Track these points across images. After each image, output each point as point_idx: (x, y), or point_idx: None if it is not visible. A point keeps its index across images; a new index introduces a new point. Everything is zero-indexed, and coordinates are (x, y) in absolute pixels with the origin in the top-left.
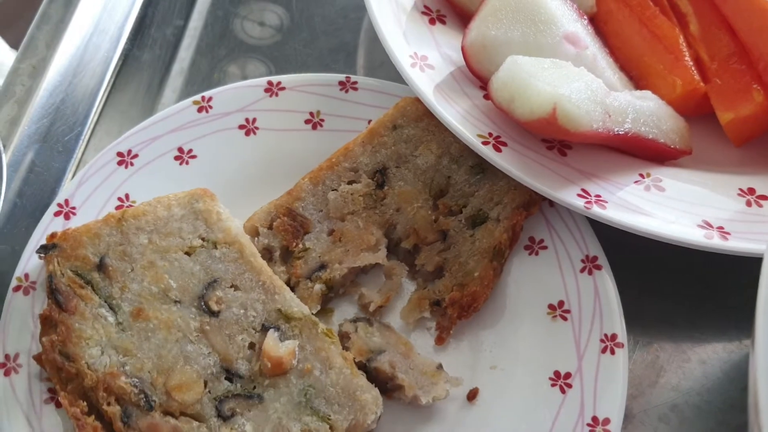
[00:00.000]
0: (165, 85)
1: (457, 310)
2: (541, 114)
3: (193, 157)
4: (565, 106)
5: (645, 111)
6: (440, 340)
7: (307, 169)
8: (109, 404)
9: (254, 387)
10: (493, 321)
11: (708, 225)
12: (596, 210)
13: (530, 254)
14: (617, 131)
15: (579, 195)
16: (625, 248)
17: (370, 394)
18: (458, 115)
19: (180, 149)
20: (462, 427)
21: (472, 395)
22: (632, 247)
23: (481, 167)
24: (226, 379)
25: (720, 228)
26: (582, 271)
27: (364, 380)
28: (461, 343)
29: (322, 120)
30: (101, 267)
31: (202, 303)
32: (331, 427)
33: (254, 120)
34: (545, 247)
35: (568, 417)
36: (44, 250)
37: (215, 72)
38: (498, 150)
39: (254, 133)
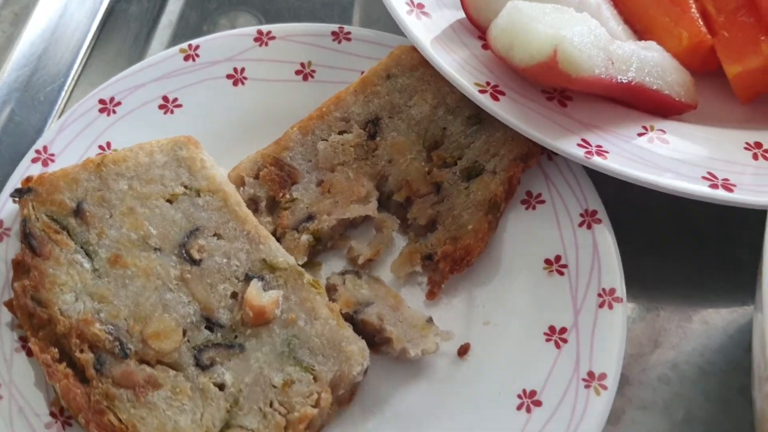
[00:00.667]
0: (152, 38)
1: (449, 264)
2: (541, 58)
3: (179, 106)
4: (567, 48)
5: (649, 61)
6: (431, 295)
7: (296, 121)
8: (81, 351)
9: (235, 337)
10: (487, 276)
11: (713, 177)
12: (597, 160)
13: (527, 209)
14: (620, 79)
15: (579, 145)
16: (627, 204)
17: (357, 346)
18: (455, 64)
19: (165, 98)
20: (452, 383)
21: (463, 350)
22: (634, 203)
23: (478, 118)
24: (206, 328)
25: (725, 180)
26: (581, 225)
27: (350, 331)
28: (454, 299)
29: (313, 71)
30: (78, 212)
31: (183, 251)
32: (314, 378)
33: (242, 70)
34: (543, 202)
35: (563, 372)
36: (18, 193)
37: (205, 25)
38: (496, 99)
39: (242, 83)
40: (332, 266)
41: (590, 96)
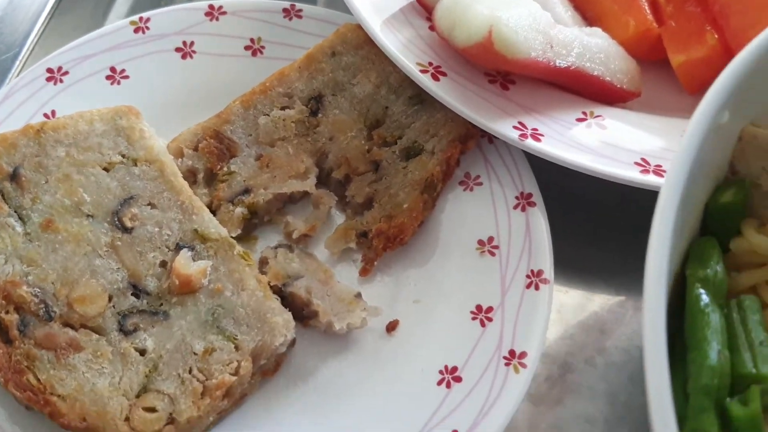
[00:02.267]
0: (110, 11)
1: (382, 241)
2: (478, 38)
3: (126, 77)
4: (502, 29)
5: (592, 47)
6: (365, 272)
7: None
8: (7, 312)
9: (161, 304)
10: (421, 255)
11: (645, 162)
12: (530, 142)
13: (465, 190)
14: (559, 64)
15: (515, 127)
16: (569, 191)
17: (282, 317)
18: (399, 43)
19: (112, 69)
20: (378, 358)
21: (391, 327)
22: (577, 190)
23: (420, 98)
24: (132, 295)
25: (657, 166)
26: (515, 207)
27: (276, 303)
28: (387, 276)
29: (263, 47)
30: (14, 177)
31: (116, 219)
32: (236, 347)
33: (192, 43)
34: (480, 184)
35: (485, 350)
36: None
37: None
38: (436, 79)
39: (191, 57)
40: (269, 241)
41: (533, 81)
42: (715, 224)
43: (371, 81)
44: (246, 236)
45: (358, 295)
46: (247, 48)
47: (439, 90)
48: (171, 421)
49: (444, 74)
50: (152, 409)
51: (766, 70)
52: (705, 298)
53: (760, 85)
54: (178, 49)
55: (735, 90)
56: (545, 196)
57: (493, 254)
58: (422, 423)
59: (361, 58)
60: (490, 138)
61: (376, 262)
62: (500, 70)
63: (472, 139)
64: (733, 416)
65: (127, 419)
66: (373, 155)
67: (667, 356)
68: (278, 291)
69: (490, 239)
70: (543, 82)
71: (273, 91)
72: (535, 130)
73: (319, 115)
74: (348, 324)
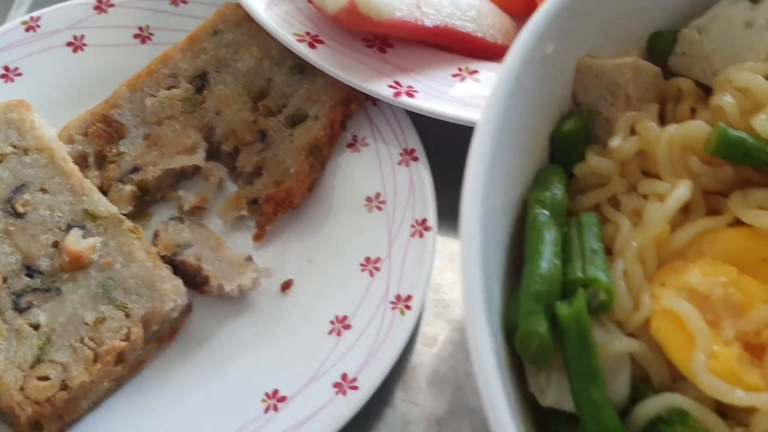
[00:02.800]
0: (8, 13)
1: (272, 206)
2: (343, 2)
3: (19, 75)
4: None
5: (463, 5)
6: (258, 237)
7: None
8: None
9: (54, 282)
10: (313, 217)
11: None
12: (404, 99)
13: (353, 152)
14: (427, 23)
15: (390, 86)
16: (447, 144)
17: (171, 284)
18: (275, 16)
19: (6, 68)
20: (273, 317)
21: (285, 286)
22: (454, 142)
23: (301, 68)
24: (26, 275)
25: None
26: (400, 163)
27: (166, 272)
28: (281, 240)
29: (151, 34)
30: None
31: (9, 206)
32: (126, 315)
33: (82, 37)
34: (367, 144)
35: (373, 298)
36: None
37: None
38: (313, 47)
39: (82, 50)
40: (163, 217)
41: (411, 43)
42: (561, 153)
43: (253, 55)
44: (141, 214)
45: (249, 258)
46: (136, 36)
47: (316, 57)
48: (64, 387)
49: (321, 42)
50: (45, 378)
51: (591, 3)
52: (542, 217)
53: (587, 17)
54: (69, 44)
55: (556, 21)
56: (429, 151)
57: (380, 209)
58: (314, 370)
59: (241, 35)
60: (374, 101)
61: (268, 227)
62: (375, 34)
63: (354, 102)
64: (559, 316)
65: (21, 389)
66: (260, 125)
67: (481, 281)
68: (169, 261)
69: (377, 195)
70: (420, 43)
71: (158, 73)
72: (411, 87)
73: (204, 91)
74: (239, 285)
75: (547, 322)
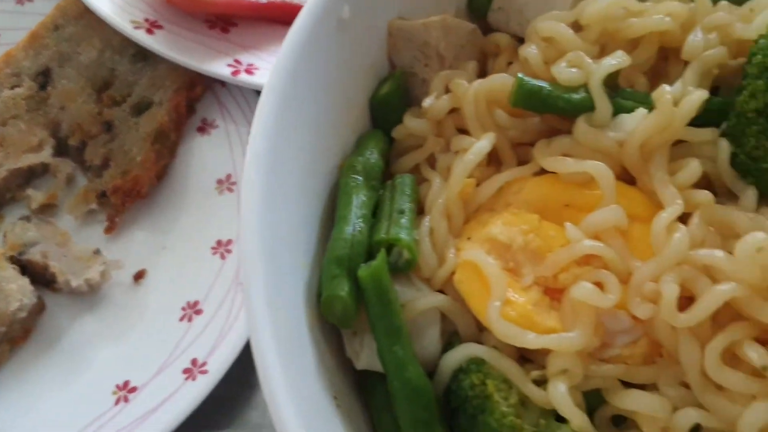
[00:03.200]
0: None
1: (120, 197)
2: None
3: None
4: None
5: None
6: (109, 229)
7: None
8: None
9: None
10: (165, 204)
11: None
12: (243, 77)
13: (202, 135)
14: None
15: (229, 65)
16: None
17: (16, 284)
18: (113, 5)
19: None
20: (127, 307)
21: (138, 276)
22: None
23: (143, 55)
24: None
25: None
26: None
27: (11, 272)
28: (134, 230)
29: None
30: None
31: None
32: None
33: None
34: (217, 127)
35: (225, 280)
36: None
37: None
38: (150, 33)
39: None
40: (15, 217)
41: (255, 22)
42: (380, 117)
43: (95, 47)
44: None
45: (97, 252)
46: None
47: (154, 42)
48: None
49: (160, 27)
50: None
51: None
52: (353, 182)
53: None
54: None
55: None
56: None
57: (231, 190)
58: (164, 358)
59: (83, 27)
60: (223, 83)
61: (118, 219)
62: (216, 15)
63: (199, 85)
64: (359, 278)
65: None
66: (105, 116)
67: (259, 255)
68: (17, 260)
69: (228, 177)
70: (265, 21)
71: (1, 74)
72: (251, 65)
73: (48, 88)
74: (87, 280)
75: (349, 285)
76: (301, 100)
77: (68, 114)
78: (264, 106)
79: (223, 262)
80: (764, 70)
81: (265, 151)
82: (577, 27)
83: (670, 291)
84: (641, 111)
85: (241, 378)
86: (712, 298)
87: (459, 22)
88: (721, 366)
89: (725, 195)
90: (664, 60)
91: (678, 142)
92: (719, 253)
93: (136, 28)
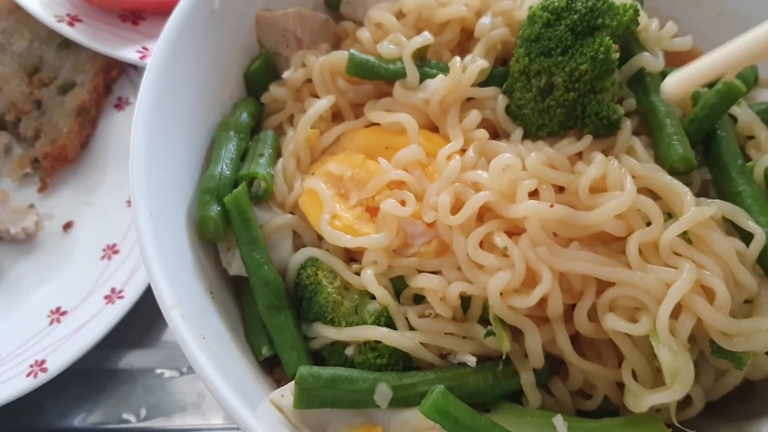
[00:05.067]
0: None
1: (50, 161)
2: None
3: None
4: None
5: None
6: (42, 189)
7: None
8: None
9: None
10: (88, 168)
11: None
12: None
13: (118, 110)
14: None
15: (138, 51)
16: None
17: None
18: (40, 3)
19: None
20: (57, 251)
21: (67, 226)
22: None
23: (67, 44)
24: None
25: None
26: None
27: None
28: (62, 189)
29: None
30: None
31: None
32: None
33: None
34: (130, 103)
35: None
36: None
37: None
38: (72, 25)
39: None
40: None
41: (160, 15)
42: (253, 87)
43: (25, 38)
44: None
45: (32, 206)
46: None
47: (75, 34)
48: None
49: (80, 21)
50: None
51: None
52: (225, 135)
53: None
54: None
55: None
56: None
57: None
58: (89, 287)
59: (14, 21)
60: (135, 66)
61: (49, 180)
62: (127, 9)
63: (115, 68)
64: (225, 202)
65: None
66: (35, 96)
67: (144, 187)
68: None
69: None
70: (169, 15)
71: None
72: None
73: None
74: (23, 228)
75: (218, 208)
76: (178, 72)
77: (4, 95)
78: (147, 76)
79: None
80: (524, 40)
81: (149, 110)
82: (401, 15)
83: (444, 201)
84: (440, 77)
85: (154, 305)
86: (472, 202)
87: (313, 13)
88: (478, 249)
89: (505, 135)
90: (468, 40)
91: (471, 99)
92: (482, 173)
93: (60, 21)
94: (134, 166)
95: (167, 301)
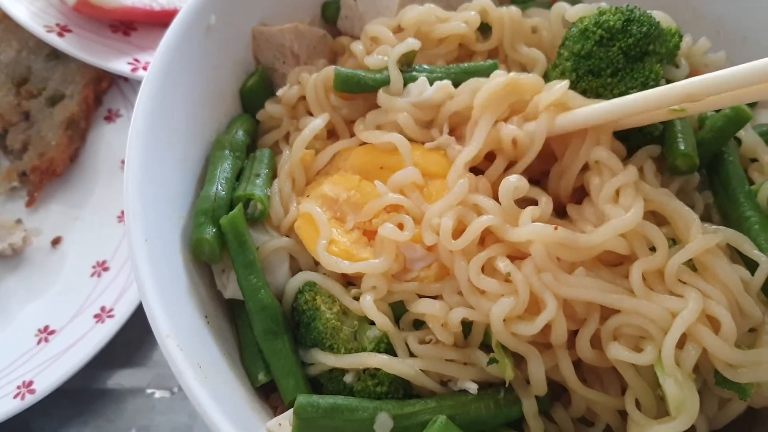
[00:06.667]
0: None
1: (38, 175)
2: None
3: None
4: None
5: None
6: (29, 203)
7: None
8: None
9: None
10: (77, 182)
11: None
12: (141, 73)
13: (109, 123)
14: (155, 7)
15: (129, 63)
16: None
17: None
18: (28, 12)
19: None
20: (45, 267)
21: (55, 242)
22: None
23: (56, 54)
24: None
25: None
26: None
27: None
28: (51, 203)
29: None
30: None
31: None
32: None
33: None
34: (120, 115)
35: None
36: None
37: None
38: (62, 36)
39: None
40: None
41: (152, 25)
42: (249, 104)
43: (13, 48)
44: None
45: (19, 221)
46: None
47: (64, 44)
48: None
49: (70, 31)
50: None
51: None
52: (220, 154)
53: None
54: None
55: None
56: None
57: None
58: (79, 305)
59: (2, 31)
60: (126, 78)
61: (37, 194)
62: (118, 20)
63: (105, 80)
64: (221, 225)
65: None
66: (23, 107)
67: (140, 210)
68: None
69: None
70: (160, 26)
71: None
72: (148, 63)
73: None
74: (10, 244)
75: (214, 230)
76: (174, 89)
77: None
78: (142, 94)
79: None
80: (573, 54)
81: (145, 130)
82: (400, 30)
83: (447, 224)
84: (422, 79)
85: (144, 323)
86: (475, 226)
87: (310, 28)
88: (480, 274)
89: None
90: (467, 56)
91: None
92: (484, 198)
93: (49, 31)
94: (129, 188)
95: (163, 331)
